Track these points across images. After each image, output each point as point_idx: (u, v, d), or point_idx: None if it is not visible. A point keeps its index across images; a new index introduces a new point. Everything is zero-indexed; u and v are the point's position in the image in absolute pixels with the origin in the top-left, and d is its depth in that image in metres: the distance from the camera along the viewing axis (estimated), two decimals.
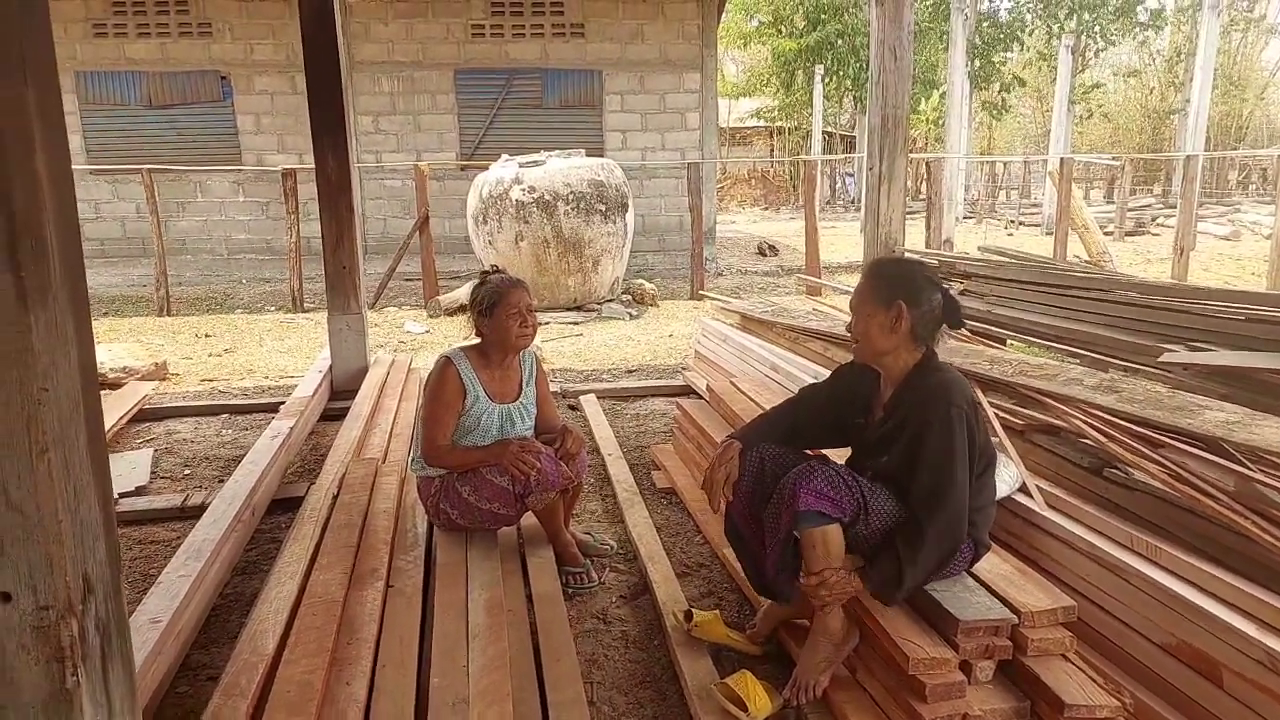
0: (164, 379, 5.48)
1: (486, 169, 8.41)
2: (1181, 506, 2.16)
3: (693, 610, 2.36)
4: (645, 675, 2.29)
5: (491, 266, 3.06)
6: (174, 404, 4.84)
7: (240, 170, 10.64)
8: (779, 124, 28.89)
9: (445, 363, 2.83)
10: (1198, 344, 3.61)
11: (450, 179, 10.99)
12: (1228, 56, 29.38)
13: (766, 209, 26.12)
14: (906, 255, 2.30)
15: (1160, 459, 2.27)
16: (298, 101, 10.39)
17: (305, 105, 4.93)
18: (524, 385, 2.94)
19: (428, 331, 7.35)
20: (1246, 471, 2.12)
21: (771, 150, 29.47)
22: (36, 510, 1.37)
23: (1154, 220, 18.12)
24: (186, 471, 3.88)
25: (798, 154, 25.29)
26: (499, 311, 2.79)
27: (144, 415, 4.65)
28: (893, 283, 2.05)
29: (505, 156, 8.51)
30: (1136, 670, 1.96)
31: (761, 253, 13.60)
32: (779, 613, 2.31)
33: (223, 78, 10.72)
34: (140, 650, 2.09)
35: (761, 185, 28.25)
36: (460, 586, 2.52)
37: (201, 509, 3.12)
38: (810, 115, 24.41)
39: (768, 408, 3.38)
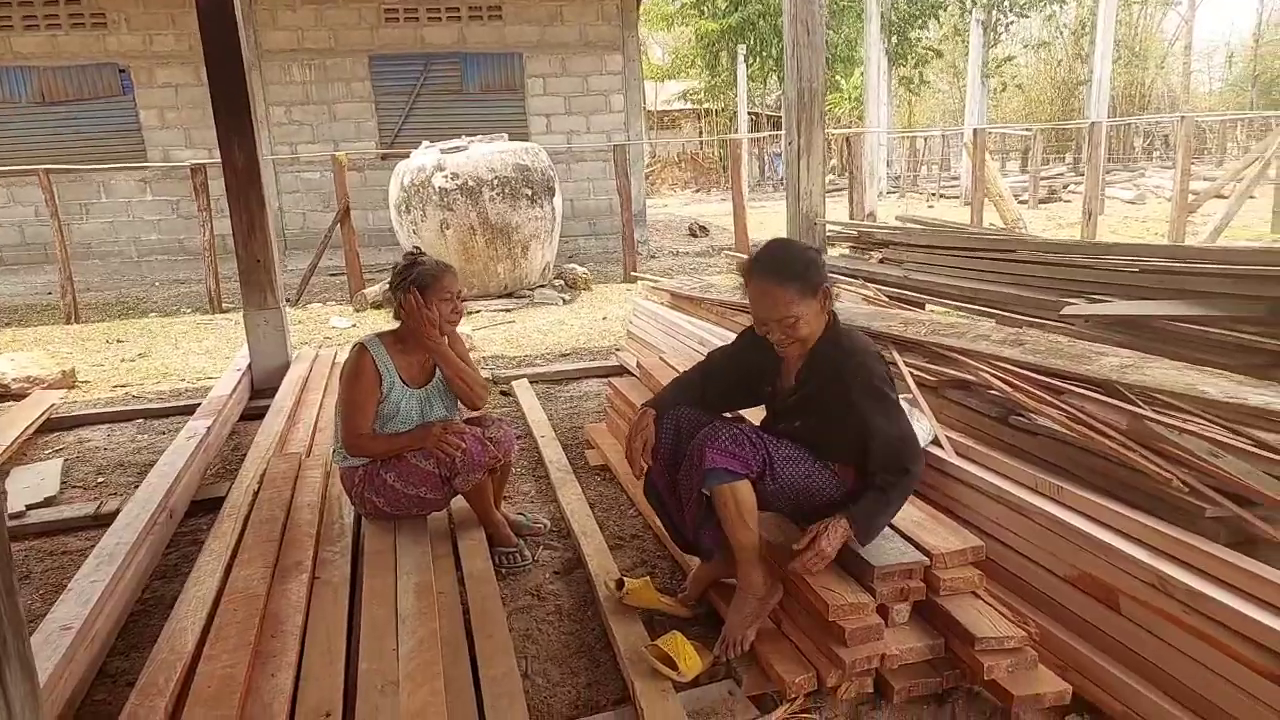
0: (72, 387, 5.25)
1: (408, 157, 8.26)
2: (1080, 447, 2.26)
3: (624, 579, 2.38)
4: (579, 645, 2.31)
5: (414, 248, 3.00)
6: (84, 412, 4.65)
7: (146, 168, 10.22)
8: (706, 106, 29.01)
9: (360, 350, 2.79)
10: (1097, 296, 3.76)
11: (371, 169, 10.75)
12: (1128, 28, 30.56)
13: (698, 191, 26.25)
14: (781, 239, 2.30)
15: (1061, 404, 2.37)
16: (204, 94, 9.96)
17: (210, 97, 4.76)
18: (438, 366, 2.90)
19: (354, 326, 7.20)
20: (1138, 410, 2.23)
21: (700, 132, 29.59)
22: None
23: (1066, 187, 18.79)
24: (100, 479, 3.74)
25: (725, 135, 25.45)
26: (430, 292, 2.75)
27: (53, 425, 4.46)
28: (808, 271, 2.06)
29: (426, 143, 8.36)
30: (1042, 601, 2.05)
31: (693, 234, 13.68)
32: (707, 574, 2.35)
33: (121, 71, 10.26)
34: (51, 658, 2.02)
35: (692, 168, 28.36)
36: (389, 573, 2.49)
37: (115, 515, 3.01)
38: (736, 96, 24.56)
39: None
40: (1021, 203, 14.83)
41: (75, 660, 2.09)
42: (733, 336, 4.20)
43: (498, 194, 7.77)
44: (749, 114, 24.37)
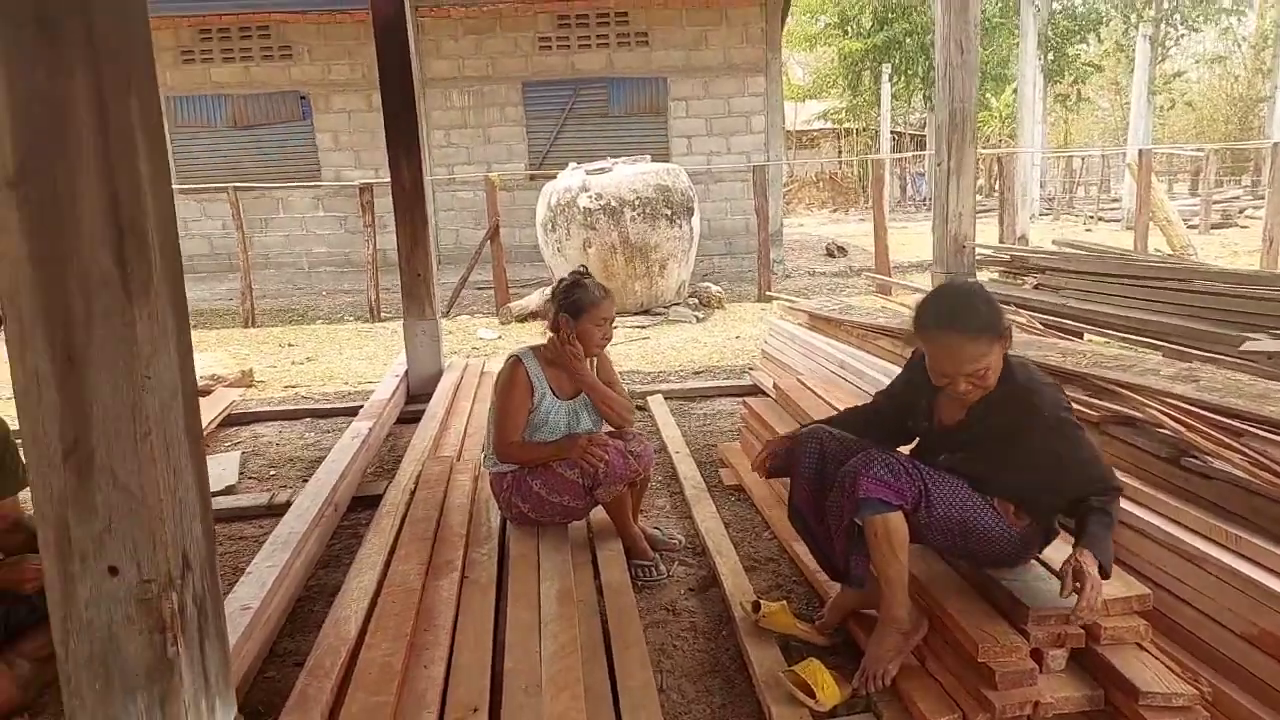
0: (250, 386, 5.75)
1: (554, 178, 8.57)
2: (1263, 494, 2.09)
3: (760, 601, 2.38)
4: (713, 664, 2.32)
5: (581, 267, 3.12)
6: (259, 409, 5.08)
7: (320, 186, 11.08)
8: (846, 125, 28.55)
9: (515, 362, 2.92)
10: None
11: (519, 189, 11.21)
12: None
13: (835, 211, 25.82)
14: (953, 284, 2.21)
15: (1241, 447, 2.20)
16: (373, 119, 10.75)
17: (381, 122, 5.12)
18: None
19: (500, 337, 7.52)
20: None
21: (839, 152, 29.13)
22: (140, 490, 1.48)
23: (1242, 212, 17.29)
24: (272, 472, 4.07)
25: (866, 155, 24.95)
26: (586, 317, 2.88)
27: (232, 420, 4.89)
28: (992, 314, 1.97)
29: (573, 165, 8.65)
30: (1216, 660, 1.90)
31: (830, 254, 13.47)
32: (847, 602, 2.31)
33: (302, 98, 11.19)
34: (231, 635, 2.21)
35: (830, 188, 27.93)
36: (532, 577, 2.60)
37: (287, 506, 3.27)
38: (878, 115, 24.06)
39: (835, 404, 3.41)
40: (1191, 228, 13.77)
41: (252, 639, 2.28)
42: (874, 359, 4.14)
43: (638, 214, 7.93)
44: (891, 133, 23.80)
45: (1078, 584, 1.75)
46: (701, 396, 5.18)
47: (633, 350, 6.83)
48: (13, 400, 1.46)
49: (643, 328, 7.83)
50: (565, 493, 2.82)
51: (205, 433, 4.51)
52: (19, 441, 2.14)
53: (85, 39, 1.37)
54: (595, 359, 3.05)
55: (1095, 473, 1.96)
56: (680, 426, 4.43)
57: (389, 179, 5.21)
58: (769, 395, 4.34)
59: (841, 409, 3.29)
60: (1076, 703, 1.80)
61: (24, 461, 2.52)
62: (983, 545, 2.01)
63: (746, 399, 4.13)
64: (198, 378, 5.62)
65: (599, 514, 2.97)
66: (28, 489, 1.56)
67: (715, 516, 3.18)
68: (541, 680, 2.05)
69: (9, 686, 2.16)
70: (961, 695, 1.88)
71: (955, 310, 1.98)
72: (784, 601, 2.41)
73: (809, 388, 3.74)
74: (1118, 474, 2.28)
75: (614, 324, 2.96)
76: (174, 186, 10.63)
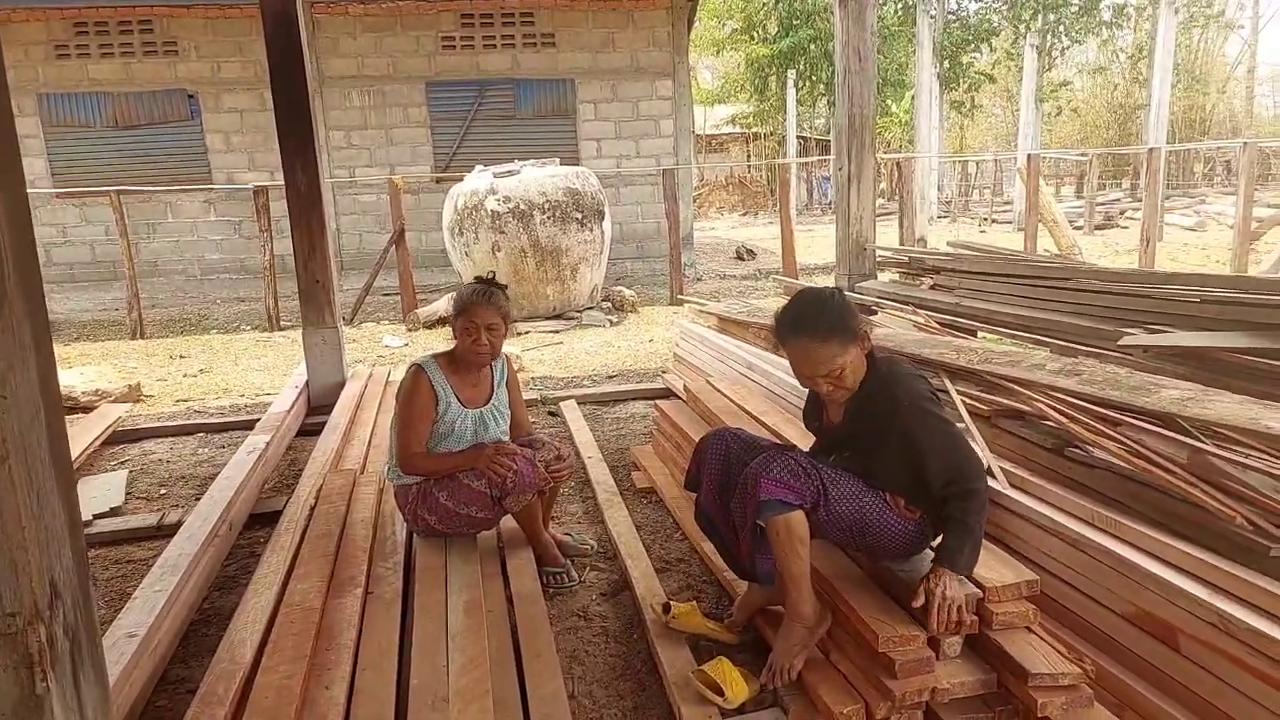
0: (138, 401, 5.45)
1: (461, 180, 8.43)
2: (1139, 481, 2.21)
3: (670, 603, 2.39)
4: (625, 668, 2.32)
5: (489, 273, 3.05)
6: (148, 425, 4.82)
7: (211, 189, 10.59)
8: (755, 130, 29.07)
9: (416, 371, 2.85)
10: (1157, 327, 3.68)
11: (425, 192, 10.99)
12: (1189, 52, 29.89)
13: (745, 215, 26.25)
14: (808, 291, 2.29)
15: (1119, 436, 2.33)
16: (267, 118, 10.30)
17: (274, 123, 4.93)
18: (495, 388, 2.96)
19: (406, 345, 7.35)
20: (1199, 445, 2.17)
21: (748, 156, 29.64)
22: (1, 518, 1.38)
23: (1123, 213, 18.39)
24: (163, 491, 3.86)
25: (773, 159, 25.47)
26: (458, 322, 2.81)
27: (118, 437, 4.62)
28: (843, 318, 2.06)
29: (480, 167, 8.53)
30: (1098, 639, 2.01)
31: (740, 257, 13.69)
32: (755, 600, 2.34)
33: (190, 96, 10.68)
34: (117, 664, 2.09)
35: (739, 191, 28.38)
36: (440, 590, 2.54)
37: (178, 527, 3.11)
38: (784, 120, 24.59)
39: (744, 404, 3.46)
40: (1077, 229, 14.56)
41: (139, 667, 2.16)
42: (781, 361, 4.22)
43: (548, 217, 7.88)
44: (798, 138, 24.36)
45: (929, 602, 1.88)
46: (615, 400, 5.18)
47: (546, 355, 6.78)
48: None
49: (556, 332, 7.78)
50: (473, 504, 2.76)
51: (89, 451, 4.26)
52: None
53: None
54: (505, 373, 3.01)
55: (952, 462, 1.98)
56: (593, 431, 4.42)
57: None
58: (680, 397, 4.37)
59: (749, 409, 3.37)
60: (971, 686, 1.87)
61: None
62: (879, 539, 2.08)
63: (659, 402, 4.15)
64: (80, 392, 5.29)
65: (509, 522, 2.93)
66: None
67: (627, 520, 3.18)
68: (449, 694, 2.01)
69: None
70: (864, 685, 1.92)
71: (805, 317, 2.08)
72: (694, 602, 2.43)
73: (718, 389, 3.78)
74: (1000, 463, 2.38)
75: (494, 329, 2.79)
76: (49, 190, 10.00)
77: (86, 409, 5.01)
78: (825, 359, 2.03)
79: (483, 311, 2.79)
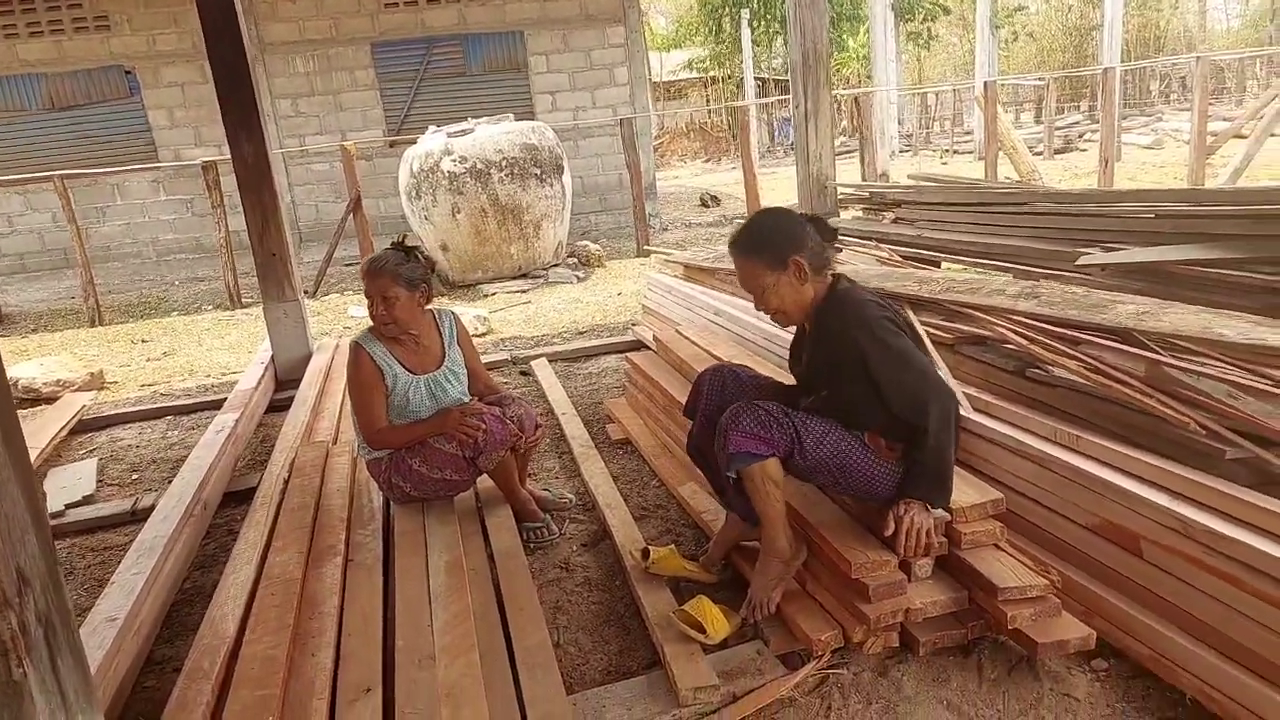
0: (101, 388, 5.35)
1: (415, 143, 8.26)
2: (1099, 396, 2.26)
3: (649, 548, 2.42)
4: (609, 614, 2.35)
5: (400, 235, 2.97)
6: (114, 412, 4.74)
7: (158, 168, 10.29)
8: (712, 74, 28.71)
9: (355, 348, 2.80)
10: (1113, 245, 3.73)
11: (380, 157, 10.77)
12: None
13: (708, 161, 26.05)
14: (761, 210, 2.31)
15: (1078, 355, 2.37)
16: (210, 91, 9.98)
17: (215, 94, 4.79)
18: (446, 349, 2.92)
19: None
20: (1156, 356, 2.22)
21: (708, 101, 29.31)
22: None
23: (1082, 136, 18.48)
24: (134, 476, 3.82)
25: (732, 103, 25.19)
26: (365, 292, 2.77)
27: (85, 426, 4.55)
28: (772, 243, 2.07)
29: (433, 128, 8.36)
30: (1064, 551, 2.07)
31: (704, 204, 13.62)
32: (731, 535, 2.38)
33: (127, 72, 10.31)
34: (99, 648, 2.09)
35: (701, 138, 28.11)
36: (420, 553, 2.55)
37: (152, 511, 3.09)
38: (741, 62, 24.29)
39: (713, 350, 3.47)
40: (1037, 154, 14.62)
41: (123, 650, 2.16)
42: (749, 305, 4.23)
43: (506, 175, 7.76)
44: (756, 79, 24.10)
45: (899, 533, 1.91)
46: (586, 356, 5.17)
47: (514, 315, 6.74)
48: None
49: (524, 291, 7.73)
50: (446, 467, 2.76)
51: (55, 441, 4.20)
52: None
53: None
54: (455, 332, 2.97)
55: (906, 387, 1.95)
56: (566, 388, 4.42)
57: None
58: (651, 349, 4.37)
59: (719, 355, 3.38)
60: (944, 605, 1.93)
61: None
62: (861, 481, 2.06)
63: (630, 354, 4.15)
64: (41, 383, 5.20)
65: (486, 482, 2.94)
66: None
67: (604, 472, 3.20)
68: (435, 651, 2.03)
69: None
70: (840, 612, 1.98)
71: (741, 234, 2.14)
72: (672, 546, 2.46)
73: (688, 337, 3.79)
74: (964, 389, 2.41)
75: (390, 300, 2.69)
76: None
77: (49, 400, 4.92)
78: (748, 276, 2.09)
79: (374, 282, 2.71)
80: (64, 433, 4.34)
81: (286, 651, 2.01)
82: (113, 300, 9.11)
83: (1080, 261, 3.67)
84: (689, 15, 28.83)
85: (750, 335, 3.81)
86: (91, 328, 7.84)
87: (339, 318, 7.26)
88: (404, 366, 2.81)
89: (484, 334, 6.01)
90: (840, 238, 5.62)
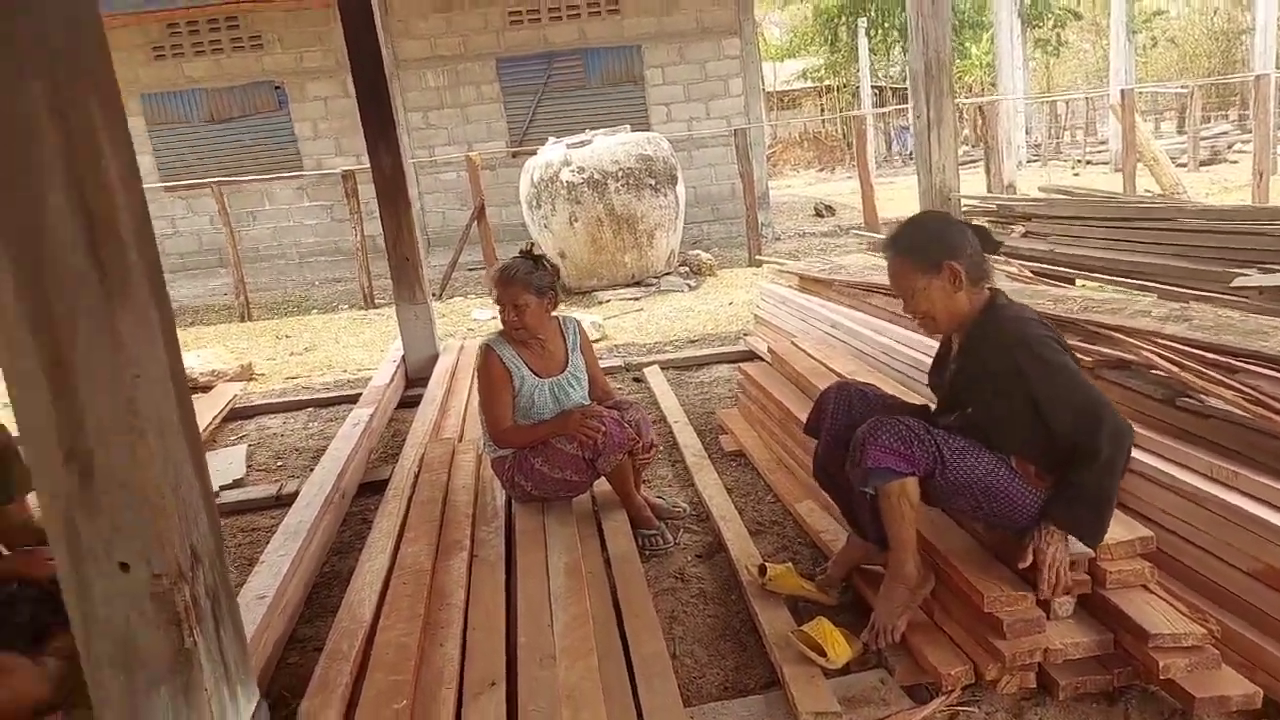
0: (251, 379, 5.74)
1: (535, 153, 8.50)
2: (1258, 429, 2.11)
3: (766, 564, 2.41)
4: (724, 628, 2.35)
5: (527, 244, 3.09)
6: (262, 402, 5.08)
7: (302, 176, 10.96)
8: (827, 83, 28.30)
9: (485, 350, 2.92)
10: (1271, 266, 3.47)
11: (502, 167, 11.13)
12: None
13: (821, 170, 25.66)
14: (914, 216, 2.23)
15: (1235, 384, 2.22)
16: (350, 104, 10.53)
17: (356, 109, 5.07)
18: (570, 355, 3.01)
19: (494, 317, 7.47)
20: None
21: (821, 110, 28.90)
22: (142, 487, 1.49)
23: (1231, 147, 17.24)
24: (279, 463, 4.08)
25: (847, 112, 24.76)
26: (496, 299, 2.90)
27: (235, 414, 4.89)
28: (927, 247, 2.00)
29: (553, 139, 8.58)
30: (1222, 597, 1.92)
31: (818, 214, 13.43)
32: (853, 556, 2.34)
33: (276, 87, 11.05)
34: (250, 624, 2.24)
35: (814, 147, 27.72)
36: (540, 552, 2.62)
37: (295, 496, 3.29)
38: (857, 71, 23.84)
39: (830, 364, 3.42)
40: (1180, 166, 13.74)
41: (271, 626, 2.31)
42: (866, 318, 4.15)
43: (622, 185, 7.89)
44: (873, 88, 23.60)
45: (1037, 563, 1.80)
46: (698, 365, 5.19)
47: (627, 323, 6.83)
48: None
49: (636, 299, 7.82)
50: (567, 467, 2.83)
51: (210, 428, 4.53)
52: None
53: (39, 44, 1.36)
54: (579, 339, 3.06)
55: (1071, 410, 1.81)
56: (679, 396, 4.44)
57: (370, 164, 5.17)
58: (764, 360, 4.35)
59: (837, 369, 3.32)
60: (1086, 647, 1.83)
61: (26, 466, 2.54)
62: (1004, 507, 1.95)
63: (742, 365, 4.14)
64: (198, 373, 5.60)
65: (603, 486, 2.99)
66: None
67: (717, 483, 3.21)
68: (555, 652, 2.08)
69: (40, 685, 2.18)
70: (971, 646, 1.90)
71: (896, 233, 2.09)
72: (789, 563, 2.44)
73: (804, 350, 3.75)
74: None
75: (521, 307, 2.82)
76: (157, 184, 10.50)
77: (205, 388, 5.32)
78: (899, 275, 2.04)
79: (506, 289, 2.84)
80: (218, 419, 4.67)
81: (418, 640, 2.11)
82: (260, 298, 9.75)
83: (1235, 284, 3.43)
84: (804, 25, 28.50)
85: (869, 350, 3.74)
86: (241, 323, 8.43)
87: (463, 320, 7.54)
88: (530, 369, 2.91)
89: (598, 340, 6.12)
90: None
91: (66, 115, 1.39)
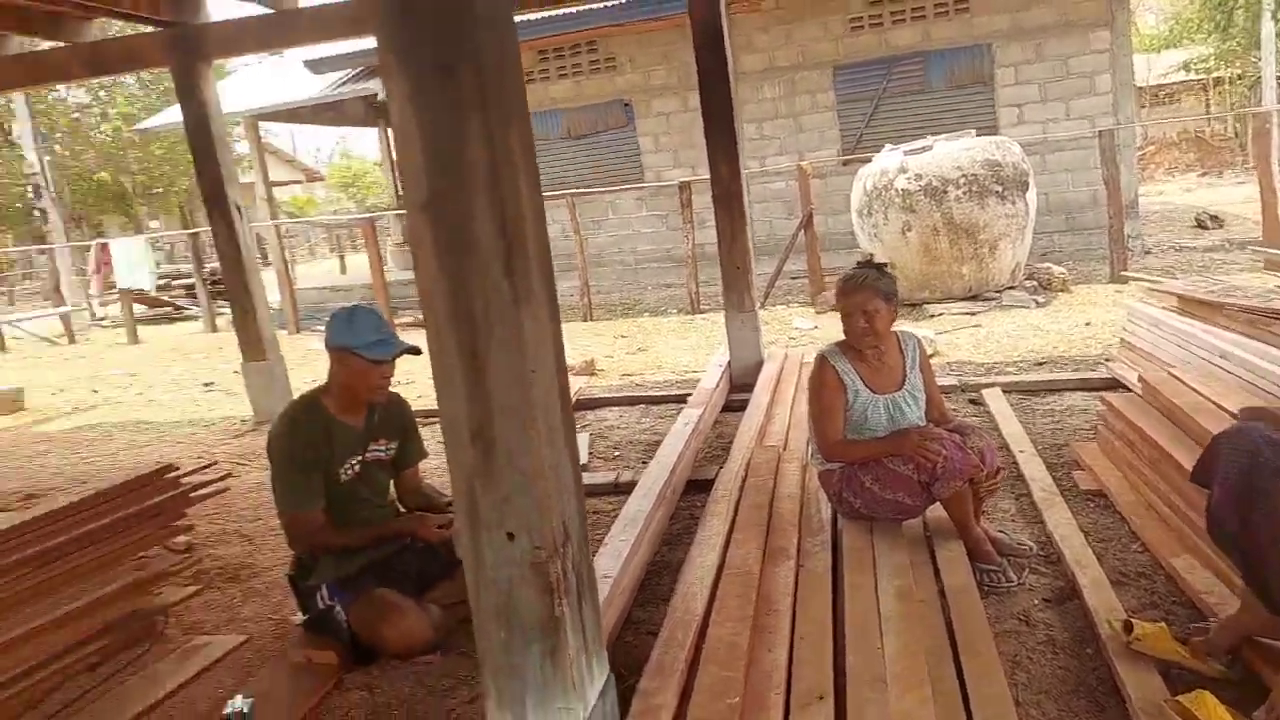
0: (593, 375, 6.30)
1: (869, 161, 8.32)
2: None
3: (1132, 620, 2.13)
4: (1077, 684, 2.12)
5: (866, 255, 3.04)
6: (601, 395, 5.54)
7: (643, 187, 11.78)
8: (1215, 74, 24.32)
9: (821, 360, 2.91)
10: None
11: (832, 175, 11.04)
12: None
13: (1204, 175, 22.12)
14: None
15: None
16: (689, 119, 11.19)
17: (695, 123, 5.35)
18: (907, 372, 2.90)
19: (815, 328, 7.48)
20: None
21: (1206, 106, 24.93)
22: (530, 468, 1.69)
23: None
24: (616, 453, 4.42)
25: (1243, 107, 21.06)
26: (839, 308, 2.85)
27: (579, 405, 5.39)
28: None
29: (888, 146, 8.33)
30: None
31: (1200, 225, 11.60)
32: (1246, 624, 1.99)
33: (625, 105, 11.98)
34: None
35: (1196, 148, 23.98)
36: (868, 572, 2.56)
37: (630, 485, 3.55)
38: (1257, 60, 20.17)
39: (1219, 401, 2.93)
40: None
41: (613, 605, 2.50)
42: (1267, 349, 3.49)
43: (964, 193, 7.43)
44: (1276, 79, 19.80)
45: None
46: (1047, 390, 4.72)
47: (962, 339, 6.43)
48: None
49: (972, 314, 7.33)
50: (900, 489, 2.74)
51: None
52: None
53: (476, 81, 1.59)
54: (918, 357, 2.94)
55: None
56: (1024, 423, 4.09)
57: (706, 176, 5.41)
58: (1133, 390, 3.85)
59: (1227, 407, 2.83)
60: None
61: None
62: None
63: (1105, 394, 3.70)
64: None
65: (935, 512, 2.85)
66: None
67: (1071, 523, 2.90)
68: (885, 676, 2.02)
69: (425, 627, 2.58)
70: None
71: None
72: (1162, 623, 2.14)
73: (1184, 382, 3.26)
74: None
75: (874, 314, 2.76)
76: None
77: None
78: None
79: (857, 295, 2.78)
80: None
81: (747, 640, 2.17)
82: (600, 300, 10.66)
83: None
84: (1188, 10, 24.70)
85: (1271, 388, 3.16)
86: (584, 322, 9.28)
87: (784, 329, 7.61)
88: (865, 384, 2.85)
89: (930, 355, 5.82)
90: None
91: (493, 142, 1.62)
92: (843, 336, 2.94)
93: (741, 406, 4.56)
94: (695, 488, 3.69)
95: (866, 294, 2.78)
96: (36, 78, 6.41)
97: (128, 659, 2.75)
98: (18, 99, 17.04)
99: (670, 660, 2.11)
